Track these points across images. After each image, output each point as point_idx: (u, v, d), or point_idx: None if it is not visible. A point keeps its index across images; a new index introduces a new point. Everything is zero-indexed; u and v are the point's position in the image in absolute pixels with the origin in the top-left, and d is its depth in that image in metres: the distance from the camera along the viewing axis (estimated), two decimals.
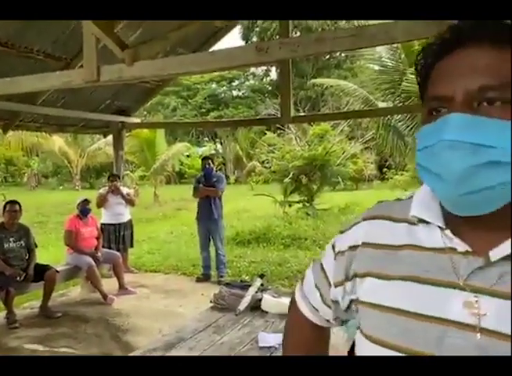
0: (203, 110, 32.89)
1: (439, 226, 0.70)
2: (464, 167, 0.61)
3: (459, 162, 0.61)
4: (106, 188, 6.64)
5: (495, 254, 0.64)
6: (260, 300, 3.26)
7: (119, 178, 6.77)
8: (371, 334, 0.74)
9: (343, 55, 28.00)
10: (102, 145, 21.29)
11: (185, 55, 4.65)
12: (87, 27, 3.58)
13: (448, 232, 0.69)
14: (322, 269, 0.89)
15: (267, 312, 3.17)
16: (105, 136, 8.51)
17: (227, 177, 24.40)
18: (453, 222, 0.69)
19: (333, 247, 0.86)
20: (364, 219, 0.82)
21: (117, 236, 6.56)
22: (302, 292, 0.97)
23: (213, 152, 28.34)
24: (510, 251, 0.64)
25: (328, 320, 0.93)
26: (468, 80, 0.63)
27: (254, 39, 29.87)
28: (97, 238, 5.95)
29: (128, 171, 19.82)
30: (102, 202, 6.51)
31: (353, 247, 0.81)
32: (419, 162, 0.68)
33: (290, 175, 12.15)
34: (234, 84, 36.26)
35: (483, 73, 0.63)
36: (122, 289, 5.93)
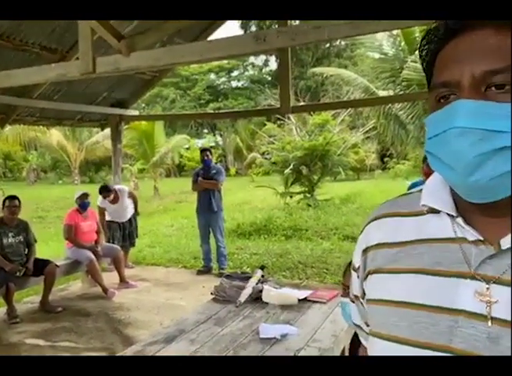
0: (202, 102, 32.75)
1: (451, 215, 0.69)
2: (475, 154, 0.60)
3: (469, 150, 0.60)
4: (103, 200, 6.28)
5: (506, 242, 0.63)
6: (261, 291, 3.25)
7: (110, 190, 6.24)
8: (380, 331, 0.72)
9: (343, 43, 27.85)
10: (101, 138, 21.22)
11: (182, 44, 4.59)
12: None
13: (459, 220, 0.67)
14: (356, 298, 0.85)
15: (268, 304, 3.16)
16: (102, 129, 8.43)
17: (227, 169, 24.41)
18: (465, 211, 0.68)
19: (353, 267, 0.84)
20: (372, 220, 0.81)
21: (122, 234, 6.53)
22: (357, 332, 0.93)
23: (213, 144, 28.28)
24: None
25: None
26: (474, 64, 0.62)
27: (253, 28, 29.64)
28: (97, 232, 5.91)
29: (128, 165, 19.79)
30: (102, 219, 6.31)
31: (365, 250, 0.79)
32: (428, 150, 0.67)
33: (291, 166, 12.11)
34: (233, 74, 36.08)
35: (489, 56, 0.61)
36: (123, 283, 5.92)
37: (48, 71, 3.90)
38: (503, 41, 0.61)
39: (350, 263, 0.87)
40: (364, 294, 0.79)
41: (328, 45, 28.93)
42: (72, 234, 5.64)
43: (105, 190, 6.24)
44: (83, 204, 5.75)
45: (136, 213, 6.79)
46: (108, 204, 6.32)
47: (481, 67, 0.61)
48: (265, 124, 16.88)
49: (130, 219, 6.64)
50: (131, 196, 6.68)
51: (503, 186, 0.61)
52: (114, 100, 7.08)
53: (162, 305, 5.22)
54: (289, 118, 13.29)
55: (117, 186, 6.54)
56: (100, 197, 6.32)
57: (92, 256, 5.53)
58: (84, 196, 5.78)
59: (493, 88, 0.61)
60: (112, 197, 6.26)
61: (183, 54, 3.49)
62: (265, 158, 15.86)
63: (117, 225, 6.47)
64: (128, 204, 6.55)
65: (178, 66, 7.79)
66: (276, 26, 6.64)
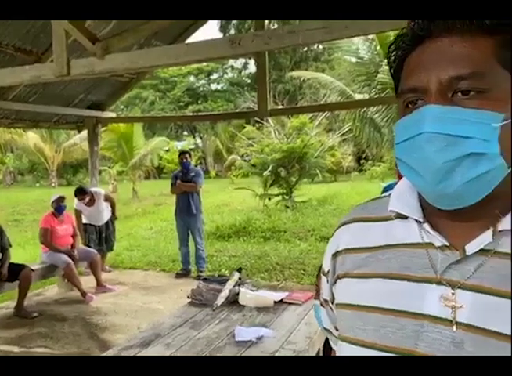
0: (182, 104, 32.58)
1: (418, 220, 0.70)
2: (443, 161, 0.60)
3: (437, 156, 0.60)
4: (79, 202, 6.21)
5: (471, 247, 0.64)
6: (237, 294, 3.26)
7: (85, 193, 6.18)
8: (348, 335, 0.73)
9: (320, 47, 28.04)
10: (78, 140, 20.93)
11: (158, 47, 4.58)
12: (56, 21, 3.51)
13: (426, 225, 0.68)
14: (326, 302, 0.86)
15: (244, 306, 3.16)
16: (79, 131, 8.36)
17: (207, 171, 24.34)
18: (432, 216, 0.69)
19: (323, 271, 0.85)
20: (342, 225, 0.82)
21: (99, 237, 6.46)
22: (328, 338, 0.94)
23: (192, 146, 28.16)
24: (485, 244, 0.63)
25: None
26: (440, 70, 0.62)
27: (232, 31, 29.68)
28: (73, 236, 5.84)
29: (106, 167, 19.57)
30: (79, 222, 6.25)
31: (334, 255, 0.80)
32: (397, 156, 0.67)
33: (270, 168, 12.17)
34: (212, 77, 35.98)
35: (455, 63, 0.62)
36: (100, 287, 5.86)
37: (22, 73, 3.86)
38: (469, 47, 0.62)
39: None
40: (333, 298, 0.80)
41: (306, 48, 29.10)
42: (48, 238, 5.56)
43: (80, 193, 6.16)
44: (59, 207, 5.67)
45: (114, 216, 6.73)
46: (84, 206, 6.25)
47: (448, 73, 0.61)
48: (244, 127, 16.90)
49: (107, 222, 6.57)
50: (108, 198, 6.62)
51: (471, 193, 0.62)
52: (91, 102, 7.02)
53: (140, 308, 5.18)
54: (267, 121, 13.37)
55: (92, 189, 6.47)
56: (76, 200, 6.25)
57: (69, 260, 5.46)
58: (60, 199, 5.70)
59: (459, 94, 0.61)
60: (87, 199, 6.19)
61: (159, 57, 3.49)
62: (245, 160, 15.91)
63: (94, 229, 6.40)
64: (104, 207, 6.49)
65: (154, 69, 7.76)
66: (254, 29, 6.68)
